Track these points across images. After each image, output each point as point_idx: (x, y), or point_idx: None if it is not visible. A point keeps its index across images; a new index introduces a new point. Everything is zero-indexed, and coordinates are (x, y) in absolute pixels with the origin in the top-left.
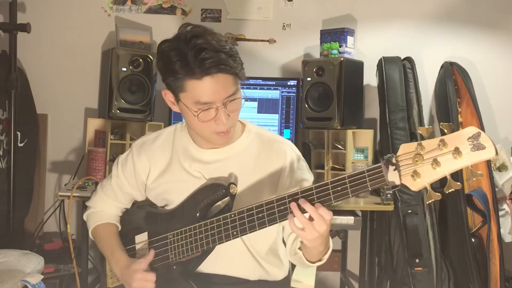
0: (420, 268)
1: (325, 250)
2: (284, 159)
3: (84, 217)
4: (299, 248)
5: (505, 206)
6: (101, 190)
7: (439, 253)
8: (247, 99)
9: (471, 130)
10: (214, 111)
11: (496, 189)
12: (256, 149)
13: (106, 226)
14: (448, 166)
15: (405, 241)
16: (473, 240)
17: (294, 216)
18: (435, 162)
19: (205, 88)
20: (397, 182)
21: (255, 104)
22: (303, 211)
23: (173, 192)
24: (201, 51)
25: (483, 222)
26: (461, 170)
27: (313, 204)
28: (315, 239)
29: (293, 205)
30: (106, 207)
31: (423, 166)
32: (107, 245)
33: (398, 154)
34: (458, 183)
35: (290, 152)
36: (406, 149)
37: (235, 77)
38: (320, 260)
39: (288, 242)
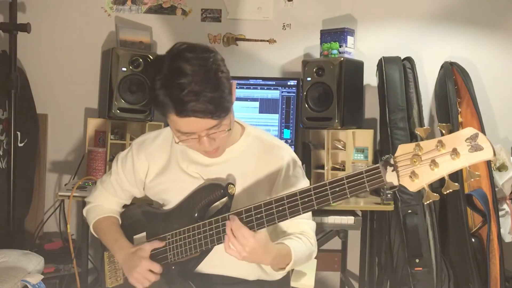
0: (420, 268)
1: (283, 261)
2: (281, 165)
3: (84, 212)
4: None
5: (505, 206)
6: (101, 186)
7: (439, 253)
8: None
9: (469, 131)
10: (196, 137)
11: (496, 189)
12: (255, 152)
13: (108, 218)
14: (446, 167)
15: (405, 241)
16: (473, 240)
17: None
18: (433, 163)
19: (184, 123)
20: (395, 183)
21: (257, 104)
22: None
23: (171, 192)
24: (181, 92)
25: (483, 222)
26: (460, 171)
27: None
28: (245, 259)
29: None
30: (106, 202)
31: (421, 167)
32: (109, 234)
33: (396, 155)
34: (456, 184)
35: (287, 158)
36: (404, 150)
37: (214, 117)
38: (282, 269)
39: None
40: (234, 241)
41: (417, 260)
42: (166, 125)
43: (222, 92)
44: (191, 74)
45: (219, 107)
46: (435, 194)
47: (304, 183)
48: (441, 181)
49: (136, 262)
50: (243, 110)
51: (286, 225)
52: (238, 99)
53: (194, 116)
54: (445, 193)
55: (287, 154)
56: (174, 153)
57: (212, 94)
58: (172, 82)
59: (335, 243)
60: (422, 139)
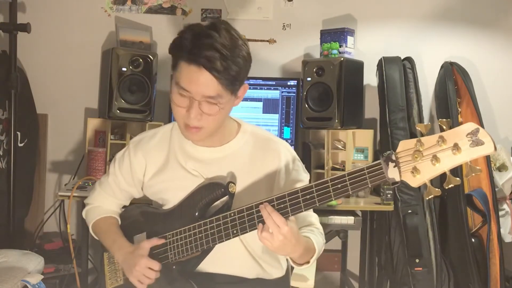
0: (420, 268)
1: (308, 254)
2: (279, 159)
3: (83, 213)
4: None
5: (505, 206)
6: (99, 187)
7: (439, 253)
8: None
9: (470, 126)
10: (188, 100)
11: (496, 189)
12: (252, 148)
13: (107, 219)
14: (447, 162)
15: (405, 241)
16: (473, 240)
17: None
18: (435, 158)
19: (188, 73)
20: (397, 179)
21: (260, 104)
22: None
23: (170, 191)
24: (203, 39)
25: (483, 222)
26: (460, 168)
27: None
28: (278, 248)
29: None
30: (104, 203)
31: (423, 163)
32: (108, 234)
33: (397, 150)
34: (458, 178)
35: (285, 152)
36: (405, 145)
37: (218, 82)
38: (307, 262)
39: None
40: (272, 223)
41: (417, 260)
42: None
43: (238, 68)
44: (222, 36)
45: (227, 74)
46: (436, 189)
47: (305, 175)
48: (441, 177)
49: (135, 261)
50: (247, 111)
51: (292, 218)
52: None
53: (203, 66)
54: (446, 187)
55: (284, 148)
56: (172, 149)
57: (228, 61)
58: (203, 32)
59: (335, 243)
60: (423, 135)
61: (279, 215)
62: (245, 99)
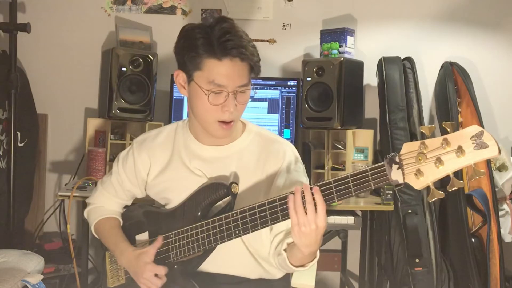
0: (420, 268)
1: (311, 256)
2: (283, 160)
3: (85, 213)
4: (285, 250)
5: (505, 206)
6: (101, 187)
7: (439, 253)
8: (253, 99)
9: (474, 128)
10: (224, 96)
11: (496, 189)
12: (256, 148)
13: (109, 220)
14: (451, 164)
15: (405, 241)
16: (473, 240)
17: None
18: (438, 160)
19: (222, 69)
20: (401, 181)
21: (265, 104)
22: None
23: (173, 191)
24: (226, 34)
25: (483, 222)
26: (461, 170)
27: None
28: (301, 234)
29: (297, 189)
30: (106, 203)
31: (426, 165)
32: (111, 237)
33: (401, 153)
34: (461, 181)
35: (289, 153)
36: (409, 148)
37: (250, 68)
38: (302, 266)
39: (273, 243)
40: (321, 209)
41: (417, 260)
42: (166, 125)
43: (256, 48)
44: (232, 23)
45: (257, 59)
46: (440, 191)
47: (305, 180)
48: (442, 180)
49: (141, 268)
50: (251, 111)
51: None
52: None
53: (237, 56)
54: (450, 190)
55: (288, 149)
56: (176, 149)
57: (250, 43)
58: (214, 27)
59: (335, 243)
60: (424, 138)
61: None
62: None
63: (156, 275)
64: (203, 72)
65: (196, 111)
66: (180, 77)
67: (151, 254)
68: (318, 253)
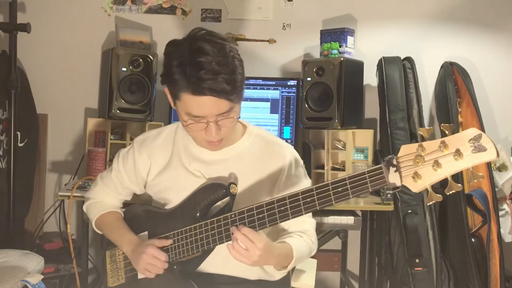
0: (420, 268)
1: (286, 260)
2: (283, 163)
3: (84, 208)
4: None
5: (505, 206)
6: (101, 181)
7: (439, 253)
8: (245, 99)
9: (472, 131)
10: (205, 124)
11: (496, 189)
12: (257, 151)
13: (111, 213)
14: (449, 167)
15: (405, 241)
16: (473, 240)
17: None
18: (436, 163)
19: (197, 104)
20: (398, 184)
21: (268, 104)
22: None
23: (172, 191)
24: (200, 70)
25: (483, 222)
26: (461, 172)
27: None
28: (256, 263)
29: (233, 229)
30: (106, 198)
31: (424, 168)
32: (116, 229)
33: (399, 155)
34: (459, 184)
35: (289, 156)
36: (407, 150)
37: (229, 99)
38: (284, 268)
39: None
40: (248, 243)
41: (417, 260)
42: (166, 125)
43: (239, 75)
44: (211, 54)
45: (235, 90)
46: (438, 195)
47: (306, 182)
48: (442, 182)
49: (143, 249)
50: (254, 111)
51: (287, 223)
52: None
53: (210, 95)
54: (448, 193)
55: (289, 152)
56: (176, 150)
57: (229, 76)
58: (192, 61)
59: (335, 243)
60: (424, 139)
61: (252, 230)
62: (252, 99)
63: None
64: (181, 103)
65: (185, 130)
66: (169, 94)
67: (157, 243)
68: (294, 253)
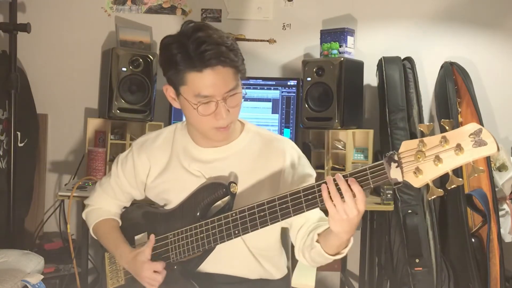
0: (420, 268)
1: (346, 243)
2: (284, 158)
3: (83, 215)
4: (317, 241)
5: (505, 206)
6: (100, 188)
7: (439, 253)
8: (246, 99)
9: (473, 126)
10: (214, 105)
11: (496, 189)
12: (256, 148)
13: (108, 221)
14: (450, 162)
15: (405, 241)
16: (473, 240)
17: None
18: (437, 158)
19: (205, 80)
20: (400, 179)
21: (269, 104)
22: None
23: (172, 192)
24: (202, 44)
25: (483, 222)
26: (461, 168)
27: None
28: (342, 222)
29: (328, 179)
30: (105, 205)
31: (425, 163)
32: (110, 240)
33: (400, 151)
34: (460, 179)
35: (290, 150)
36: (407, 146)
37: (235, 71)
38: (338, 254)
39: (298, 240)
40: (359, 193)
41: (417, 260)
42: (166, 125)
43: (238, 49)
44: (208, 31)
45: (238, 57)
46: (439, 189)
47: (312, 171)
48: (441, 179)
49: (139, 268)
50: (256, 111)
51: (305, 215)
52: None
53: (217, 64)
54: (449, 188)
55: (289, 146)
56: (175, 151)
57: (230, 46)
58: (192, 38)
59: None
60: (424, 136)
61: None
62: (252, 99)
63: (155, 272)
64: (188, 87)
65: (191, 122)
66: (169, 91)
67: (147, 253)
68: (352, 238)
